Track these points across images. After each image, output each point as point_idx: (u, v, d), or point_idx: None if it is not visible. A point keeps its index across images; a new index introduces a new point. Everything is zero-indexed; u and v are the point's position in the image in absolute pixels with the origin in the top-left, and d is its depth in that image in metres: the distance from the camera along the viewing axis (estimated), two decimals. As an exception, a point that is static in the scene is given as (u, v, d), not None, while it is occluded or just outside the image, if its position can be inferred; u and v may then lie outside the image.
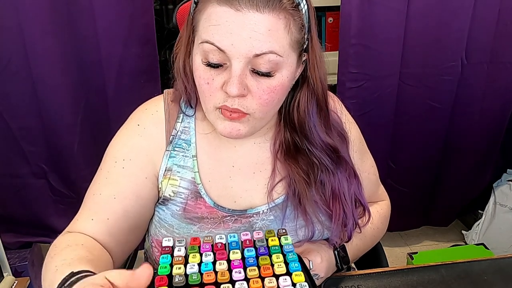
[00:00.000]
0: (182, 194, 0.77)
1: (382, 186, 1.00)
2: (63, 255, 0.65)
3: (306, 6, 0.68)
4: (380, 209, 0.96)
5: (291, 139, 0.79)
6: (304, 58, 0.72)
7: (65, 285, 0.55)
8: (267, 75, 0.66)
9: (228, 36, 0.63)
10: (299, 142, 0.78)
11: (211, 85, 0.67)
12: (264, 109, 0.69)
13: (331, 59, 1.79)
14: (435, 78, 1.65)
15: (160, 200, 0.79)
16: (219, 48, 0.64)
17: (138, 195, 0.76)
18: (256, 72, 0.66)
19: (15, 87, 1.50)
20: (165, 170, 0.78)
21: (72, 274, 0.57)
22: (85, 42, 1.48)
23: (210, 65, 0.66)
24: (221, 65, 0.66)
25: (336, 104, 0.86)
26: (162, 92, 0.83)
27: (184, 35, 0.73)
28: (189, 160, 0.78)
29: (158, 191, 0.79)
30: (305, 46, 0.70)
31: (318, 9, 1.93)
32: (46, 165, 1.66)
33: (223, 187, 0.79)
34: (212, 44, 0.64)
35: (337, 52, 1.60)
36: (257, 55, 0.64)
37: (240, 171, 0.80)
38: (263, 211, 0.79)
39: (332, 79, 1.71)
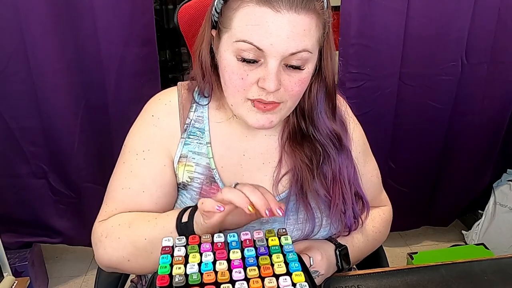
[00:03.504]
0: (198, 179, 0.81)
1: (384, 192, 1.00)
2: (145, 216, 0.77)
3: (327, 3, 0.72)
4: (382, 213, 0.96)
5: (297, 125, 0.82)
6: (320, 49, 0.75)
7: (182, 221, 0.70)
8: (298, 68, 0.70)
9: (267, 36, 0.65)
10: (305, 128, 0.81)
11: (246, 80, 0.70)
12: (294, 99, 0.74)
13: (331, 59, 1.79)
14: (435, 78, 1.65)
15: (181, 186, 0.82)
16: (257, 47, 0.66)
17: (161, 184, 0.80)
18: (290, 67, 0.70)
19: (15, 87, 1.50)
20: (180, 157, 0.81)
21: (184, 210, 0.72)
22: (85, 42, 1.48)
23: (245, 60, 0.69)
24: (256, 61, 0.69)
25: (341, 103, 0.88)
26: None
27: (205, 28, 0.77)
28: (204, 147, 0.81)
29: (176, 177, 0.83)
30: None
31: (318, 9, 1.93)
32: (46, 165, 1.66)
33: (234, 174, 0.82)
34: (251, 43, 0.66)
35: (337, 52, 1.60)
36: (293, 54, 0.67)
37: (250, 160, 0.83)
38: None
39: (332, 79, 1.71)
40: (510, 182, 1.90)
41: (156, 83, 1.60)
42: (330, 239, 0.84)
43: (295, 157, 0.81)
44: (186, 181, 0.81)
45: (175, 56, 2.98)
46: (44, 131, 1.59)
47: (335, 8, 1.76)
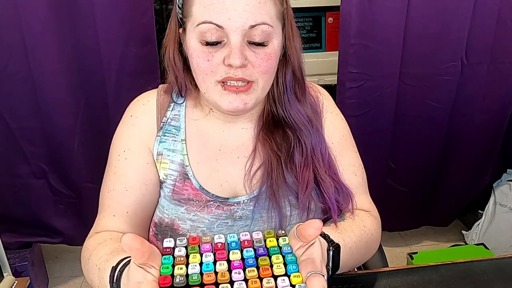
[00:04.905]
0: (172, 176, 0.81)
1: (370, 198, 0.90)
2: (98, 253, 0.72)
3: None
4: (370, 215, 0.86)
5: (270, 111, 0.83)
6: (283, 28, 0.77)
7: (114, 281, 0.62)
8: (262, 44, 0.72)
9: (224, 12, 0.69)
10: (276, 114, 0.82)
11: (212, 62, 0.72)
12: (264, 76, 0.74)
13: (331, 59, 1.79)
14: (435, 78, 1.65)
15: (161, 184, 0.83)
16: (217, 25, 0.69)
17: (144, 182, 0.81)
18: (253, 43, 0.71)
19: (15, 87, 1.50)
20: (157, 155, 0.82)
21: (113, 268, 0.63)
22: (85, 42, 1.48)
23: (208, 43, 0.71)
24: (219, 42, 0.71)
25: (317, 94, 0.89)
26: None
27: (171, 28, 0.79)
28: (179, 144, 0.82)
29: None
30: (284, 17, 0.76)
31: (318, 9, 1.93)
32: (46, 165, 1.66)
33: (210, 170, 0.82)
34: (210, 22, 0.69)
35: (337, 52, 1.60)
36: (252, 26, 0.70)
37: (226, 155, 0.83)
38: (243, 201, 0.81)
39: (332, 79, 1.71)
40: (510, 182, 1.90)
41: (156, 83, 1.60)
42: (323, 234, 0.70)
43: (267, 146, 0.81)
44: (163, 178, 0.82)
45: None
46: (44, 131, 1.59)
47: (335, 8, 1.77)
